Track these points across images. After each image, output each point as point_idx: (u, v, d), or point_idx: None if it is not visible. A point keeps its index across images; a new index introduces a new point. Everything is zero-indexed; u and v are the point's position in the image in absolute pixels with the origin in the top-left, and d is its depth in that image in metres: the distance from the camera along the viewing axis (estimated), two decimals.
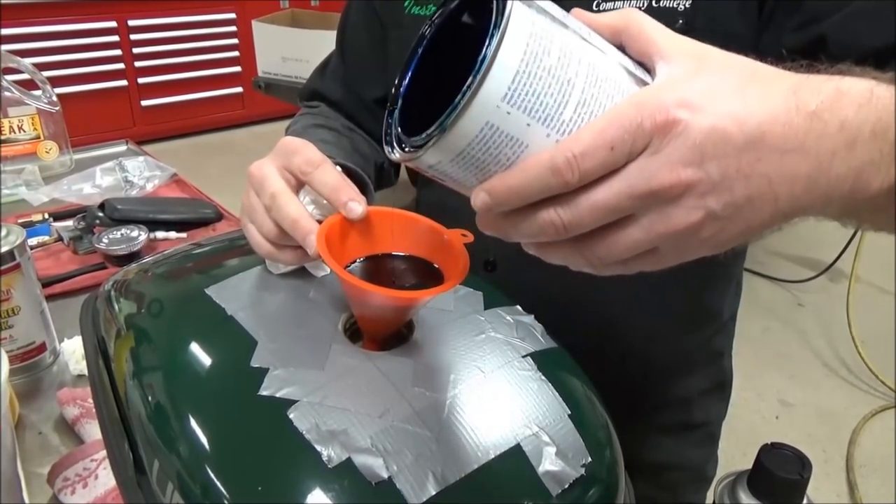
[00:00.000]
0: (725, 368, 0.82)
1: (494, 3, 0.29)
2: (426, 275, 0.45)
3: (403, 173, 0.86)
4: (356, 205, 0.44)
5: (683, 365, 0.77)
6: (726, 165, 0.28)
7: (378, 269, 0.46)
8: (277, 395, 0.40)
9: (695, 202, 0.29)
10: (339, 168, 0.49)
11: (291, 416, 0.38)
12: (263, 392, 0.40)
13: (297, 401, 0.39)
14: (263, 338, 0.44)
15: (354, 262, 0.45)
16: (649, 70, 0.33)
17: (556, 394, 0.44)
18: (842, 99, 0.29)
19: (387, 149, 0.34)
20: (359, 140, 0.77)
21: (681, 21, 0.56)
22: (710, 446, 0.84)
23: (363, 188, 0.60)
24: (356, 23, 0.79)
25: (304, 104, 0.84)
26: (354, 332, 0.47)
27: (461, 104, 0.29)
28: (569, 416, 0.43)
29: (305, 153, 0.47)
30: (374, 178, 0.75)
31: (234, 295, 0.48)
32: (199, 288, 0.50)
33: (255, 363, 0.42)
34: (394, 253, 0.46)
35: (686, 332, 0.75)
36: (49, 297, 0.84)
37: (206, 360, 0.45)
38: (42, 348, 0.79)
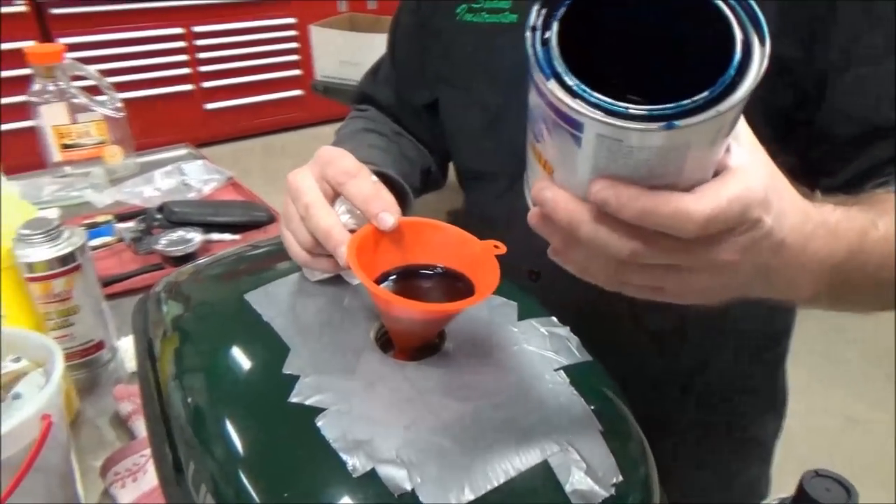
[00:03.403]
0: (780, 384, 0.78)
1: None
2: (457, 286, 0.45)
3: (452, 176, 0.85)
4: (388, 216, 0.44)
5: (740, 385, 0.74)
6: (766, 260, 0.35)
7: (409, 280, 0.46)
8: (307, 402, 0.40)
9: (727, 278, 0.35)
10: (374, 177, 0.49)
11: (319, 424, 0.39)
12: (293, 399, 0.40)
13: (325, 409, 0.40)
14: (296, 345, 0.44)
15: (386, 273, 0.45)
16: None
17: (588, 409, 0.43)
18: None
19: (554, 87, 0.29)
20: (406, 145, 0.78)
21: None
22: (764, 465, 0.81)
23: (403, 197, 0.60)
24: (406, 27, 0.79)
25: (354, 107, 0.85)
26: (386, 342, 0.47)
27: (727, 103, 0.27)
28: (601, 432, 0.42)
29: (341, 163, 0.47)
30: (419, 182, 0.76)
31: (271, 301, 0.49)
32: (242, 292, 0.51)
33: (286, 370, 0.42)
34: (426, 263, 0.46)
35: (746, 352, 0.72)
36: (109, 296, 0.88)
37: (241, 365, 0.46)
38: (100, 346, 0.82)
